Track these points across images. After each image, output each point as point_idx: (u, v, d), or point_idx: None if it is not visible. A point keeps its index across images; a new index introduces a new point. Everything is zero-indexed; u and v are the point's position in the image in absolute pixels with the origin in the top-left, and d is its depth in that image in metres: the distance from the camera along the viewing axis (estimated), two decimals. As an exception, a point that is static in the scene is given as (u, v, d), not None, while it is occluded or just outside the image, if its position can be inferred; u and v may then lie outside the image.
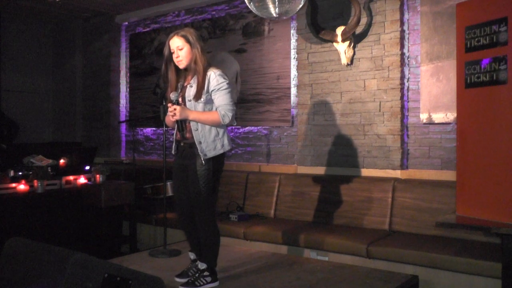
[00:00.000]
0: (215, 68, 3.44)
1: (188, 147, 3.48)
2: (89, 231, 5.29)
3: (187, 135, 3.46)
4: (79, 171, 5.44)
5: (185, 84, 3.51)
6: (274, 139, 6.06)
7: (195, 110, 3.41)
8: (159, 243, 5.51)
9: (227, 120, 3.38)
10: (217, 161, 3.45)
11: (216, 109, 3.42)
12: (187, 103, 3.44)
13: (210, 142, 3.40)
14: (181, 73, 3.53)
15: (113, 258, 4.47)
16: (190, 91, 3.43)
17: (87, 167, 5.57)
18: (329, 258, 4.42)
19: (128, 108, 7.82)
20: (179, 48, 3.41)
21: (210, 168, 3.41)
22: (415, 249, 3.99)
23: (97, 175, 5.39)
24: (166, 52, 3.48)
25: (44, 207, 4.88)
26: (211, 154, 3.40)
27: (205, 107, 3.41)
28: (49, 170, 5.07)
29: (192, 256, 3.67)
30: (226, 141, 3.48)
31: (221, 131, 3.46)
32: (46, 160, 5.27)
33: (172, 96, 3.40)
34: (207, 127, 3.40)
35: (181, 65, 3.45)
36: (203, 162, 3.38)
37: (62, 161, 5.41)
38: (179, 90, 3.50)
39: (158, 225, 5.69)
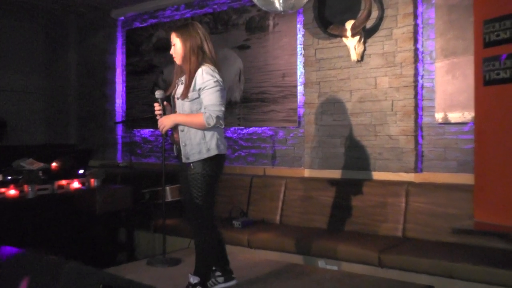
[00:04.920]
0: (207, 65, 3.46)
1: (179, 150, 3.54)
2: (84, 238, 5.29)
3: (176, 136, 3.54)
4: (72, 175, 5.43)
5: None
6: (280, 140, 6.05)
7: (181, 111, 3.49)
8: (157, 251, 5.49)
9: (211, 122, 3.37)
10: (208, 166, 3.44)
11: (203, 109, 3.46)
12: (176, 102, 3.53)
13: (194, 145, 3.43)
14: (182, 70, 3.61)
15: (109, 267, 4.47)
16: (180, 89, 3.53)
17: (81, 171, 5.57)
18: (338, 267, 4.41)
19: (125, 108, 7.82)
20: (173, 43, 3.54)
21: (200, 172, 3.42)
22: (430, 257, 3.98)
23: (92, 179, 5.39)
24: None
25: (35, 213, 4.87)
26: (194, 158, 3.42)
27: (191, 106, 3.44)
28: (41, 174, 5.06)
29: None
30: (213, 145, 3.45)
31: (208, 134, 3.45)
32: (37, 163, 5.26)
33: (157, 94, 3.56)
34: (193, 129, 3.44)
35: (177, 61, 3.57)
36: (192, 166, 3.42)
37: (54, 164, 5.40)
38: (177, 87, 3.59)
39: (157, 232, 5.69)
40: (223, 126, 3.49)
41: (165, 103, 3.61)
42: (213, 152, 3.44)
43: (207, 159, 3.43)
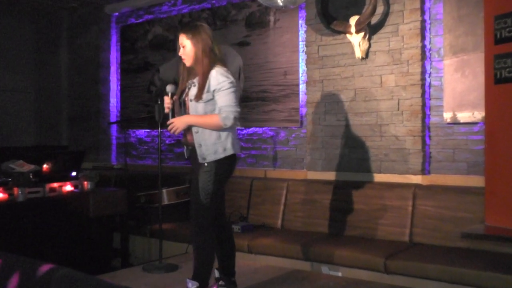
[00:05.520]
0: (220, 66, 3.56)
1: (192, 151, 3.64)
2: (76, 243, 5.27)
3: (189, 137, 3.61)
4: (64, 178, 5.42)
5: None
6: (281, 141, 6.04)
7: (195, 113, 3.57)
8: (154, 257, 5.50)
9: (228, 123, 3.47)
10: (222, 166, 3.54)
11: (219, 111, 3.53)
12: (190, 103, 3.58)
13: (209, 145, 3.52)
14: (192, 71, 3.66)
15: (103, 273, 4.47)
16: (193, 91, 3.58)
17: (74, 173, 5.55)
18: (342, 274, 4.40)
19: (120, 108, 7.82)
20: (182, 45, 3.58)
21: (214, 172, 3.52)
22: (438, 263, 3.96)
23: (85, 182, 5.39)
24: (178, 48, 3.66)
25: (25, 218, 4.86)
26: (210, 158, 3.51)
27: (205, 107, 3.53)
28: (31, 177, 5.05)
29: (216, 273, 3.74)
30: (229, 145, 3.56)
31: (223, 134, 3.54)
32: (27, 165, 5.24)
33: (169, 88, 3.63)
34: (207, 130, 3.53)
35: (186, 63, 3.62)
36: (207, 165, 3.51)
37: (45, 166, 5.39)
38: (188, 89, 3.63)
39: (153, 237, 5.68)
40: (238, 125, 3.63)
41: (175, 97, 3.67)
42: (229, 151, 3.56)
43: (223, 159, 3.53)
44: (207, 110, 3.53)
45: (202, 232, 3.54)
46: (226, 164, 3.56)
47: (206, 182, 3.50)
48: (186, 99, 3.63)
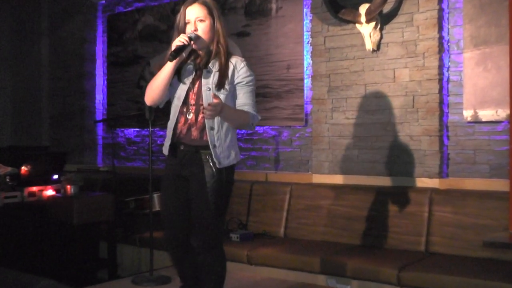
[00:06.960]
0: (239, 56, 3.35)
1: (192, 152, 3.27)
2: (59, 253, 5.27)
3: (194, 133, 3.26)
4: (45, 181, 5.43)
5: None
6: (284, 141, 6.03)
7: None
8: (144, 268, 5.51)
9: (255, 123, 3.31)
10: (230, 173, 3.30)
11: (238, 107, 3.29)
12: (204, 93, 3.24)
13: (225, 148, 3.24)
14: (192, 54, 3.32)
15: (88, 286, 4.45)
16: (209, 78, 3.25)
17: (56, 176, 5.56)
18: (351, 287, 4.40)
19: (106, 105, 7.81)
20: (199, 19, 3.23)
21: (223, 180, 3.24)
22: (457, 274, 3.95)
23: (68, 186, 5.39)
24: (180, 23, 3.27)
25: (1, 225, 4.85)
26: (225, 162, 3.23)
27: (226, 100, 3.21)
28: (8, 180, 5.05)
29: None
30: (237, 150, 3.34)
31: (235, 136, 3.33)
32: (4, 167, 5.24)
33: (190, 34, 3.17)
34: (225, 128, 3.25)
35: (203, 39, 3.25)
36: (215, 172, 3.21)
37: (24, 168, 5.40)
38: (192, 75, 3.30)
39: (142, 246, 5.67)
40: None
41: (192, 44, 3.21)
42: (238, 157, 3.35)
43: (233, 165, 3.31)
44: (227, 103, 3.19)
45: (215, 254, 3.30)
46: (233, 172, 3.33)
47: (220, 194, 3.22)
48: (192, 87, 3.27)
